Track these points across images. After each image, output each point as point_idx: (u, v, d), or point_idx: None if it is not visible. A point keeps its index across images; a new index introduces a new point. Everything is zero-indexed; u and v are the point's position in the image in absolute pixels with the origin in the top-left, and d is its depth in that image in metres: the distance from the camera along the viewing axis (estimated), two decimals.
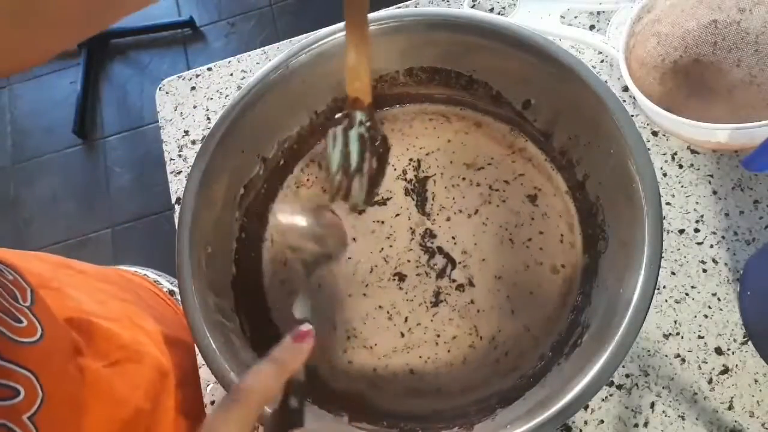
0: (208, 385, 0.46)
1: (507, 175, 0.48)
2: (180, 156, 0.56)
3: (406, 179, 0.49)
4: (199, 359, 0.46)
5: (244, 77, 0.59)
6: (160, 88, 0.60)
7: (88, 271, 0.51)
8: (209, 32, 1.63)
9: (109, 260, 1.40)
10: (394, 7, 0.50)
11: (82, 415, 0.37)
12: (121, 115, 1.57)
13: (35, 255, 0.48)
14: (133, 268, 0.61)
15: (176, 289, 0.60)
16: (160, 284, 0.60)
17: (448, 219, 0.47)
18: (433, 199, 0.48)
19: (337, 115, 0.42)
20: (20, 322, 0.34)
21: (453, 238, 0.46)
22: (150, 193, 1.46)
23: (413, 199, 0.48)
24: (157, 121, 0.59)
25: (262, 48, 0.60)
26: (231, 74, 0.60)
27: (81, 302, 0.43)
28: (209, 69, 0.60)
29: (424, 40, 0.46)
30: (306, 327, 0.34)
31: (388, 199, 0.48)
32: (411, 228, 0.47)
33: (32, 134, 1.58)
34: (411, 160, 0.50)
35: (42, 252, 0.49)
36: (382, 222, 0.48)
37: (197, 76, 0.60)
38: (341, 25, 0.45)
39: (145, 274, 0.60)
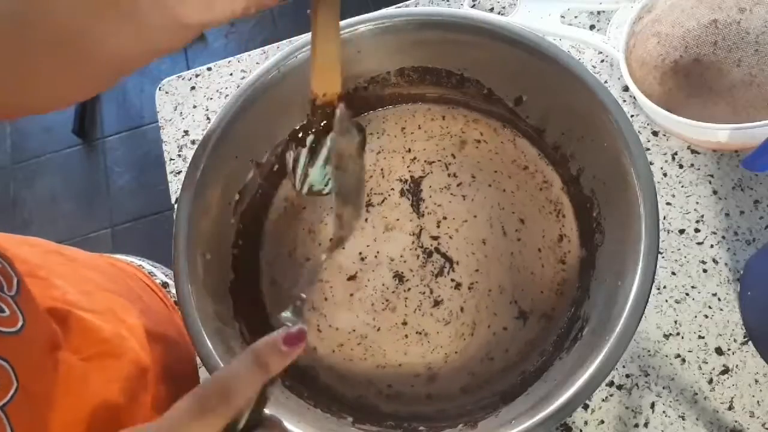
0: None
1: (501, 172, 0.48)
2: (180, 156, 0.56)
3: (401, 180, 0.49)
4: (199, 360, 0.46)
5: (243, 77, 0.59)
6: (159, 87, 0.60)
7: (78, 259, 0.50)
8: (209, 32, 1.63)
9: None
10: (394, 7, 0.50)
11: (53, 407, 0.36)
12: (120, 115, 1.57)
13: (26, 240, 0.47)
14: (129, 258, 0.61)
15: (170, 282, 0.59)
16: (154, 275, 0.59)
17: (445, 218, 0.47)
18: (428, 198, 0.48)
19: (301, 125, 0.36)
20: (2, 311, 0.34)
21: (450, 237, 0.46)
22: (150, 193, 1.45)
23: (409, 200, 0.48)
24: (157, 121, 0.59)
25: (262, 48, 0.60)
26: (231, 74, 0.60)
27: (66, 292, 0.43)
28: (209, 69, 0.60)
29: (414, 40, 0.46)
30: (300, 328, 0.30)
31: (384, 200, 0.48)
32: (408, 229, 0.47)
33: (32, 134, 1.58)
34: (405, 160, 0.50)
35: (35, 238, 0.49)
36: (383, 224, 0.48)
37: (197, 75, 0.60)
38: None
39: (140, 265, 0.60)
